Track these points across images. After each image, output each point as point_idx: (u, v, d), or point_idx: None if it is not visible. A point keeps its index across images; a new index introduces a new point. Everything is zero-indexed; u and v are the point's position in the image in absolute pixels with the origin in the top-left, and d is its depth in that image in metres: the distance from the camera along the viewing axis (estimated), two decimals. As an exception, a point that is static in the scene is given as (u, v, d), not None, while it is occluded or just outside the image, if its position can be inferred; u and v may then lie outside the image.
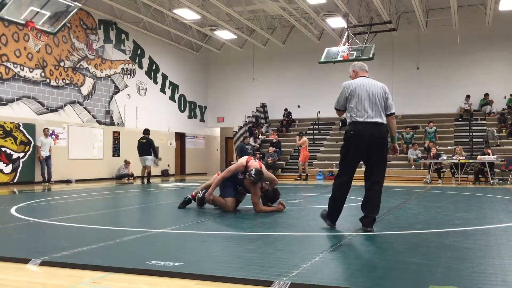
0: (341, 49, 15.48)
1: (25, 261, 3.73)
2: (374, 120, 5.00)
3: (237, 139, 22.75)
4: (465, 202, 8.72)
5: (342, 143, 5.18)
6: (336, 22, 19.34)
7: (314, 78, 23.11)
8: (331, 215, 5.28)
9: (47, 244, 4.57)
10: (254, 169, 6.69)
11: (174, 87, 23.51)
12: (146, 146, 15.46)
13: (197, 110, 25.44)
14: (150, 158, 15.51)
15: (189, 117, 24.70)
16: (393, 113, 5.25)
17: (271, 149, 19.24)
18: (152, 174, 21.21)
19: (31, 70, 15.67)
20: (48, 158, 15.63)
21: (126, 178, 18.39)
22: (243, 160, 6.97)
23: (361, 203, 5.18)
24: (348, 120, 5.07)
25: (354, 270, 3.45)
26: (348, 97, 5.05)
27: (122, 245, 4.43)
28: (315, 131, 21.78)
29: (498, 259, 3.70)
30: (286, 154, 20.74)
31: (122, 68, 19.98)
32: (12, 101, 15.06)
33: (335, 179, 5.27)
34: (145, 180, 15.60)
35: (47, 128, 15.76)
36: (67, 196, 10.63)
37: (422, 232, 5.09)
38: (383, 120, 5.11)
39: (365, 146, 5.01)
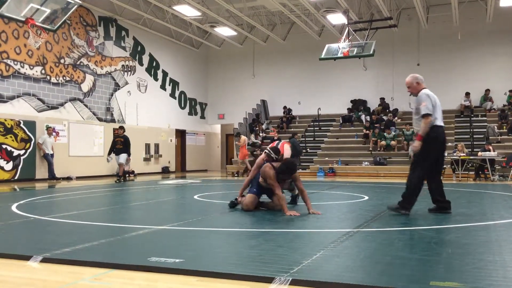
0: (342, 46, 15.45)
1: (27, 258, 3.74)
2: (443, 124, 6.14)
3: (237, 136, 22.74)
4: (465, 198, 8.72)
5: (417, 144, 5.96)
6: (337, 19, 19.29)
7: (314, 75, 23.09)
8: (410, 205, 6.11)
9: (48, 241, 4.58)
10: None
11: (175, 84, 23.50)
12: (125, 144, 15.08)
13: (198, 107, 25.44)
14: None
15: (190, 114, 24.69)
16: None
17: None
18: (153, 171, 21.35)
19: (31, 67, 15.66)
20: (51, 156, 15.67)
21: (127, 175, 18.39)
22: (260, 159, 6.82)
23: (432, 196, 6.30)
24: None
25: (355, 266, 3.45)
26: (434, 105, 5.99)
27: (123, 241, 4.43)
28: (315, 128, 21.77)
29: (499, 255, 3.70)
30: (287, 151, 20.71)
31: (122, 65, 19.96)
32: (12, 98, 15.05)
33: (417, 177, 6.07)
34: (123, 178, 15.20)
35: (50, 127, 15.77)
36: (68, 193, 10.63)
37: (422, 228, 5.09)
38: None
39: (441, 146, 6.13)
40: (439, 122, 5.99)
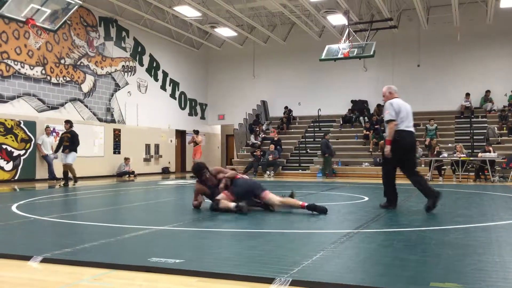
0: (342, 47, 15.44)
1: (27, 258, 3.74)
2: (412, 129, 6.73)
3: (237, 136, 22.75)
4: (465, 199, 8.72)
5: (383, 146, 6.74)
6: (337, 19, 19.30)
7: (314, 76, 23.09)
8: (391, 200, 6.94)
9: (48, 241, 4.58)
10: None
11: (175, 84, 23.51)
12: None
13: (198, 108, 25.44)
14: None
15: (190, 114, 24.70)
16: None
17: (272, 146, 19.26)
18: (153, 171, 21.35)
19: (31, 67, 15.67)
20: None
21: (127, 175, 18.42)
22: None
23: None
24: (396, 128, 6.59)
25: (354, 267, 3.45)
26: (397, 112, 6.64)
27: (123, 242, 4.43)
28: (315, 129, 21.77)
29: (499, 256, 3.71)
30: (287, 152, 20.75)
31: (123, 66, 19.97)
32: (12, 98, 15.06)
33: (384, 175, 6.95)
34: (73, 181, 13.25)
35: (48, 127, 15.77)
36: (67, 193, 10.64)
37: (422, 229, 5.09)
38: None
39: (405, 149, 6.63)
40: (404, 127, 6.60)
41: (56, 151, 13.50)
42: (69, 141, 12.89)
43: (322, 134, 19.00)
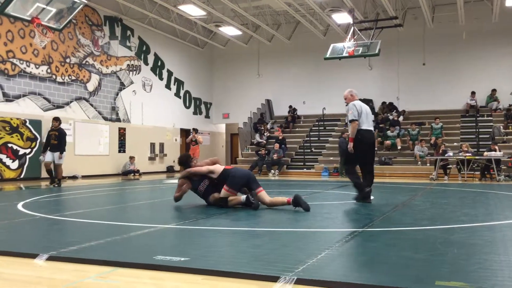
0: (347, 45, 15.42)
1: (33, 256, 3.76)
2: (371, 129, 7.51)
3: (242, 135, 22.75)
4: (471, 198, 8.69)
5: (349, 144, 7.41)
6: (342, 18, 19.26)
7: (319, 74, 23.06)
8: (364, 193, 7.46)
9: (54, 239, 4.60)
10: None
11: (180, 83, 23.54)
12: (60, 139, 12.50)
13: (202, 106, 25.47)
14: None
15: (194, 113, 24.73)
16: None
17: (277, 145, 19.25)
18: (158, 170, 21.38)
19: (37, 66, 15.73)
20: None
21: (132, 174, 18.47)
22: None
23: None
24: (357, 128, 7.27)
25: (359, 265, 3.45)
26: (359, 113, 7.30)
27: (128, 240, 4.45)
28: (320, 128, 21.74)
29: (504, 255, 3.69)
30: (291, 151, 20.74)
31: (128, 65, 20.01)
32: (18, 97, 15.13)
33: (348, 173, 7.58)
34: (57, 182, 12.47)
35: (53, 125, 15.83)
36: (73, 192, 10.68)
37: (428, 228, 5.08)
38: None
39: (367, 146, 7.41)
40: (365, 126, 7.30)
41: (44, 150, 12.76)
42: (57, 140, 12.30)
43: (339, 133, 18.69)
